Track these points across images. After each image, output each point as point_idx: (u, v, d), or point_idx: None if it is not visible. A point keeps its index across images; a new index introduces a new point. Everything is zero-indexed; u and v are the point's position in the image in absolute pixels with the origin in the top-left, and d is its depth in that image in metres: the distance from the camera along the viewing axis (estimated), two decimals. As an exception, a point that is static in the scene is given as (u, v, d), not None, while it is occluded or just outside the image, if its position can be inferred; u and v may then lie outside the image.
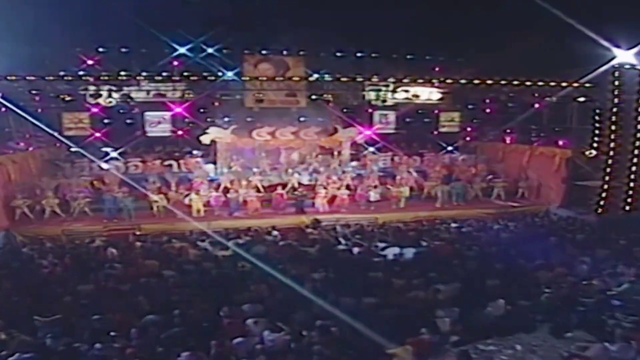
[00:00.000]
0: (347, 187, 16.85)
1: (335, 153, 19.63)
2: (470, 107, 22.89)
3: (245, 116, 20.72)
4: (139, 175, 17.43)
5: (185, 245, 12.24)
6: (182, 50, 19.24)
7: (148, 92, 19.50)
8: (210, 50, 19.36)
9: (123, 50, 19.17)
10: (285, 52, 20.95)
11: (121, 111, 19.34)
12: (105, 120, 19.35)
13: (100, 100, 18.98)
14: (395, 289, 9.15)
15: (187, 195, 15.32)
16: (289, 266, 10.43)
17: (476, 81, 18.10)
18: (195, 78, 17.28)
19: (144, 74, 17.91)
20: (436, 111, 23.04)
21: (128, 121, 19.50)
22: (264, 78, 19.41)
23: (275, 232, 13.57)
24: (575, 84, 16.22)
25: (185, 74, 18.13)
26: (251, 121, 20.30)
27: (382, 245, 12.30)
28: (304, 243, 12.41)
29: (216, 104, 20.35)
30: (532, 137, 19.49)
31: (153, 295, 8.78)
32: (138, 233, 13.22)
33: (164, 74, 18.23)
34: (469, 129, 23.39)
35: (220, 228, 13.95)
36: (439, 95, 22.40)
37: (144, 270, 10.31)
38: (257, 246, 12.00)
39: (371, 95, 22.22)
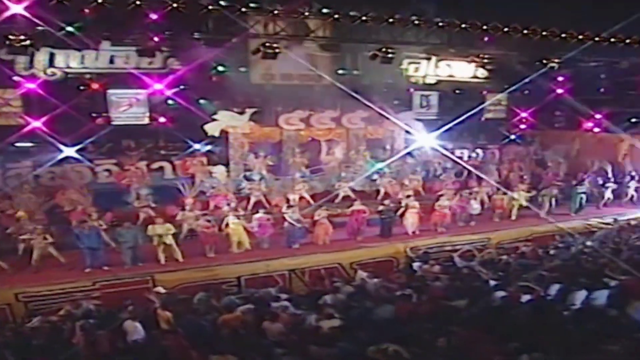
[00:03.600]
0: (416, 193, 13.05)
1: (388, 146, 15.74)
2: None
3: (250, 96, 16.19)
4: (110, 186, 12.29)
5: (250, 308, 7.77)
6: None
7: (111, 59, 14.30)
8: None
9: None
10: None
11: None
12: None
13: (37, 71, 13.55)
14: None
15: (207, 215, 10.48)
16: (457, 341, 6.56)
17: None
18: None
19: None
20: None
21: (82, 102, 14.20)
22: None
23: (362, 272, 9.54)
24: None
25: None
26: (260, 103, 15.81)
27: (554, 287, 8.73)
28: (444, 292, 8.45)
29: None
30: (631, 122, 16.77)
31: None
32: (157, 290, 8.32)
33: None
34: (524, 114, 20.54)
35: (284, 270, 9.60)
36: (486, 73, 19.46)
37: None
38: (380, 306, 7.86)
39: (410, 71, 18.69)
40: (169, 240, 9.69)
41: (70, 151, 11.54)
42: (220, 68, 14.47)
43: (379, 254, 10.71)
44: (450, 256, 10.33)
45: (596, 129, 17.37)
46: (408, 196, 12.01)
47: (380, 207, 11.52)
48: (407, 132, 16.00)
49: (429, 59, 18.72)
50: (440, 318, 7.43)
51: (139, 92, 14.77)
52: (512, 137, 19.15)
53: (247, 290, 8.74)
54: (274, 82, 16.47)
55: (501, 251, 10.84)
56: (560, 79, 18.44)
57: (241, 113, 14.05)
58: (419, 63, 18.62)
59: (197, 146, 13.78)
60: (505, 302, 8.16)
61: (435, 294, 8.52)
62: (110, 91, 14.47)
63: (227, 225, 10.16)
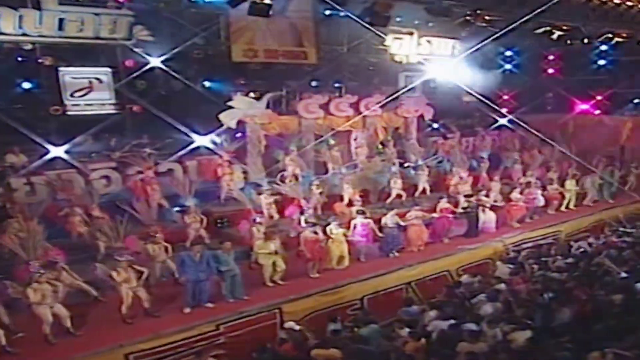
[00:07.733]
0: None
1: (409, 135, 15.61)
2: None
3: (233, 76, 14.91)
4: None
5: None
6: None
7: (60, 22, 11.75)
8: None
9: None
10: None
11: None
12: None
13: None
14: None
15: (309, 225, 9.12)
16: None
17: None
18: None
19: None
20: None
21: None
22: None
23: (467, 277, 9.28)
24: None
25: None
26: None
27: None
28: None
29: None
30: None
31: None
32: (289, 327, 6.98)
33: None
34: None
35: (401, 284, 9.03)
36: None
37: None
38: (558, 310, 7.65)
39: (394, 47, 18.72)
40: (279, 261, 8.25)
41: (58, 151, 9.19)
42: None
43: (480, 255, 10.48)
44: (552, 255, 10.51)
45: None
46: (478, 191, 11.97)
47: (466, 204, 11.25)
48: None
49: (411, 34, 18.92)
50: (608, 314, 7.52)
51: (100, 71, 12.51)
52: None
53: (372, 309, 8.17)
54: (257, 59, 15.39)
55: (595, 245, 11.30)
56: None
57: (257, 98, 12.66)
58: (402, 39, 18.70)
59: (200, 140, 11.96)
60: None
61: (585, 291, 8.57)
62: (62, 70, 11.96)
63: (329, 236, 8.92)
